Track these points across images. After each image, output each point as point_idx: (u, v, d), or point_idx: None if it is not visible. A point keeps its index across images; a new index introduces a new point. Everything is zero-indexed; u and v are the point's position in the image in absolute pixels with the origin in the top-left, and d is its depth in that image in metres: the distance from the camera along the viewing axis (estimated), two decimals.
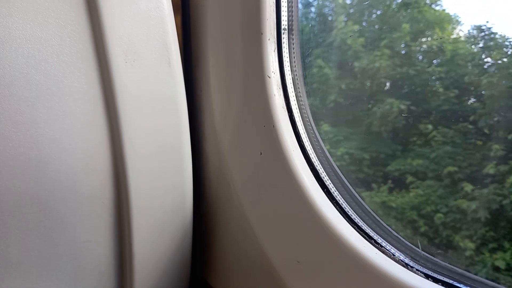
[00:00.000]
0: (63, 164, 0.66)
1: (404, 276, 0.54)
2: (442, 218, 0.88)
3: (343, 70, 1.13)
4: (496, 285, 0.53)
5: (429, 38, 0.95)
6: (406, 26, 0.94)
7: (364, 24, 1.07)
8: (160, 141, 0.75)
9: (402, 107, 0.94)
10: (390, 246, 0.60)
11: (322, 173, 0.69)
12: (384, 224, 0.64)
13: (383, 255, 0.58)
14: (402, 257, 0.58)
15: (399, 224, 0.94)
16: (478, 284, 0.53)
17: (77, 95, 0.65)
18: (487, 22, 0.75)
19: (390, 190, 0.99)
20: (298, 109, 0.73)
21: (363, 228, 0.63)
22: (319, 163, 0.70)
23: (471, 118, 0.82)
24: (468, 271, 0.55)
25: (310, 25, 1.03)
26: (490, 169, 0.79)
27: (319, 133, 0.73)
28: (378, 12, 1.04)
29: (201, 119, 0.86)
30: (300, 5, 0.75)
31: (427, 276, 0.55)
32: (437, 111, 0.88)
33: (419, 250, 0.59)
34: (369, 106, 1.04)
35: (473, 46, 0.82)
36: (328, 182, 0.68)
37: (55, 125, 0.64)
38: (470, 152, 0.85)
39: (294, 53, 0.73)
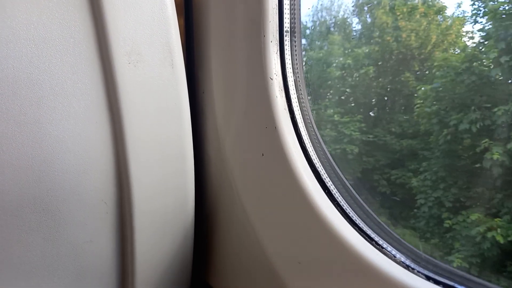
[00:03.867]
0: (66, 164, 0.66)
1: (405, 278, 0.54)
2: None
3: None
4: (497, 287, 0.53)
5: None
6: None
7: None
8: (162, 142, 0.75)
9: None
10: (391, 247, 0.60)
11: (324, 175, 0.69)
12: (385, 226, 0.64)
13: (384, 256, 0.58)
14: (403, 258, 0.58)
15: None
16: (479, 286, 0.53)
17: (80, 96, 0.66)
18: None
19: None
20: (300, 111, 0.73)
21: (364, 229, 0.63)
22: (320, 164, 0.70)
23: None
24: (469, 273, 0.55)
25: None
26: None
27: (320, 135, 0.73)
28: None
29: (204, 121, 0.86)
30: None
31: (428, 278, 0.55)
32: None
33: (420, 252, 0.59)
34: None
35: None
36: (329, 183, 0.68)
37: (58, 125, 0.64)
38: None
39: (296, 55, 0.73)
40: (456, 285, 0.53)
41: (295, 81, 0.74)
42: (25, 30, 0.59)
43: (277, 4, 0.71)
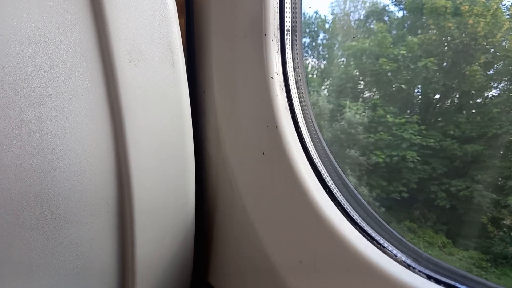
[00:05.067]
0: (67, 163, 0.66)
1: (406, 277, 0.54)
2: None
3: None
4: (498, 286, 0.53)
5: None
6: None
7: None
8: (163, 141, 0.75)
9: None
10: (392, 247, 0.60)
11: (324, 174, 0.69)
12: (386, 225, 0.64)
13: (385, 255, 0.58)
14: (404, 258, 0.58)
15: None
16: (480, 285, 0.53)
17: (81, 95, 0.66)
18: None
19: None
20: (300, 110, 0.73)
21: (365, 228, 0.63)
22: (321, 163, 0.70)
23: None
24: (470, 273, 0.55)
25: None
26: None
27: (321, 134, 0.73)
28: None
29: (204, 120, 0.86)
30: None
31: (429, 277, 0.55)
32: None
33: (421, 251, 0.59)
34: None
35: None
36: (330, 182, 0.68)
37: (59, 124, 0.64)
38: None
39: (297, 54, 0.73)
40: (457, 284, 0.53)
41: (296, 80, 0.73)
42: (26, 29, 0.60)
43: (278, 3, 0.71)
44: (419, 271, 0.56)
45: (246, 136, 0.76)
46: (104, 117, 0.69)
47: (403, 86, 1.30)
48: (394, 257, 0.58)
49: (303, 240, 0.67)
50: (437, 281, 0.54)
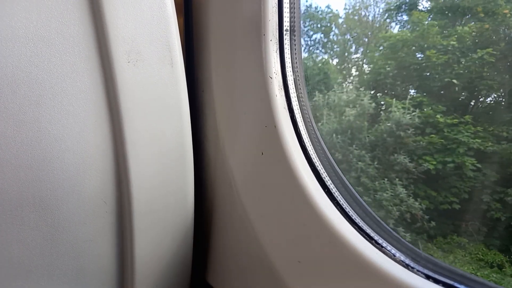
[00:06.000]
0: (66, 163, 0.66)
1: (404, 277, 0.54)
2: None
3: None
4: (498, 286, 0.53)
5: None
6: None
7: None
8: (162, 141, 0.75)
9: None
10: (391, 246, 0.60)
11: (323, 174, 0.69)
12: (385, 225, 0.64)
13: (384, 255, 0.58)
14: (402, 257, 0.58)
15: None
16: (479, 285, 0.53)
17: (80, 95, 0.65)
18: None
19: None
20: (299, 110, 0.73)
21: (363, 228, 0.63)
22: (320, 163, 0.70)
23: None
24: (469, 273, 0.55)
25: None
26: None
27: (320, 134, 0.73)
28: None
29: (203, 120, 0.86)
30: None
31: (427, 277, 0.55)
32: None
33: (420, 251, 0.59)
34: None
35: None
36: (329, 182, 0.68)
37: (58, 124, 0.64)
38: None
39: (295, 54, 0.73)
40: (455, 284, 0.53)
41: (294, 80, 0.73)
42: (24, 29, 0.59)
43: (277, 3, 0.71)
44: (417, 270, 0.56)
45: (245, 136, 0.76)
46: (103, 117, 0.68)
47: (454, 81, 1.14)
48: (392, 257, 0.58)
49: (302, 240, 0.67)
50: (436, 281, 0.54)
